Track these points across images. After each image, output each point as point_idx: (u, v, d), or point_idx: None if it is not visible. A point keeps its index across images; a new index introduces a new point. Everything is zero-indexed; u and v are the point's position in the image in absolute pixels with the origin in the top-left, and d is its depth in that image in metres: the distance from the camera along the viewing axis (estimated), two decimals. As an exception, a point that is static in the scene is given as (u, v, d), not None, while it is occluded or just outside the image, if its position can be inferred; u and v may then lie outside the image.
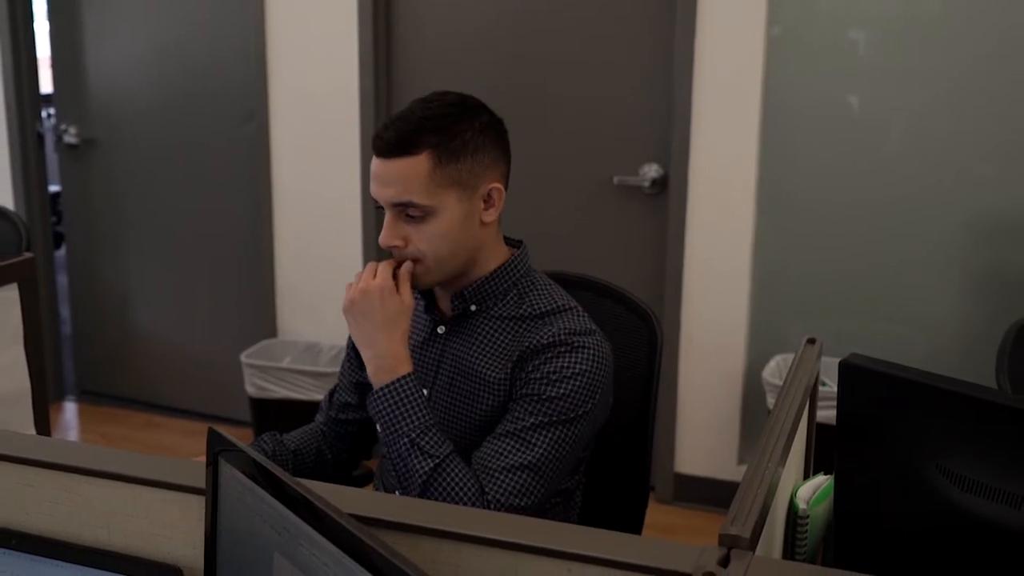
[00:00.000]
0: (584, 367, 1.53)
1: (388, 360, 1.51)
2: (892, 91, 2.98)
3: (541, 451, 1.50)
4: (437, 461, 1.47)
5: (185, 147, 3.88)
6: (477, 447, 1.57)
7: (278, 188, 3.70)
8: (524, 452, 1.49)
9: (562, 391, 1.51)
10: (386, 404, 1.49)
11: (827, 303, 3.16)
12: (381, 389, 1.50)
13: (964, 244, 2.99)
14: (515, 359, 1.56)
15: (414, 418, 1.48)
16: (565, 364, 1.53)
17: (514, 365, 1.56)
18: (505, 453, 1.49)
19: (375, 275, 1.53)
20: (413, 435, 1.48)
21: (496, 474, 1.48)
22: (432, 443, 1.48)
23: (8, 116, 4.04)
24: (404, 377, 1.50)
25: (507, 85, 3.36)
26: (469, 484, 1.47)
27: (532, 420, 1.51)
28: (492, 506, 1.47)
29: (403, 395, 1.49)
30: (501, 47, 3.38)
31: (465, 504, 1.45)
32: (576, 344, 1.54)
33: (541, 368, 1.53)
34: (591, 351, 1.54)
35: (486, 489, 1.47)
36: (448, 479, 1.46)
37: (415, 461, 1.47)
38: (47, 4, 4.04)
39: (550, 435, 1.51)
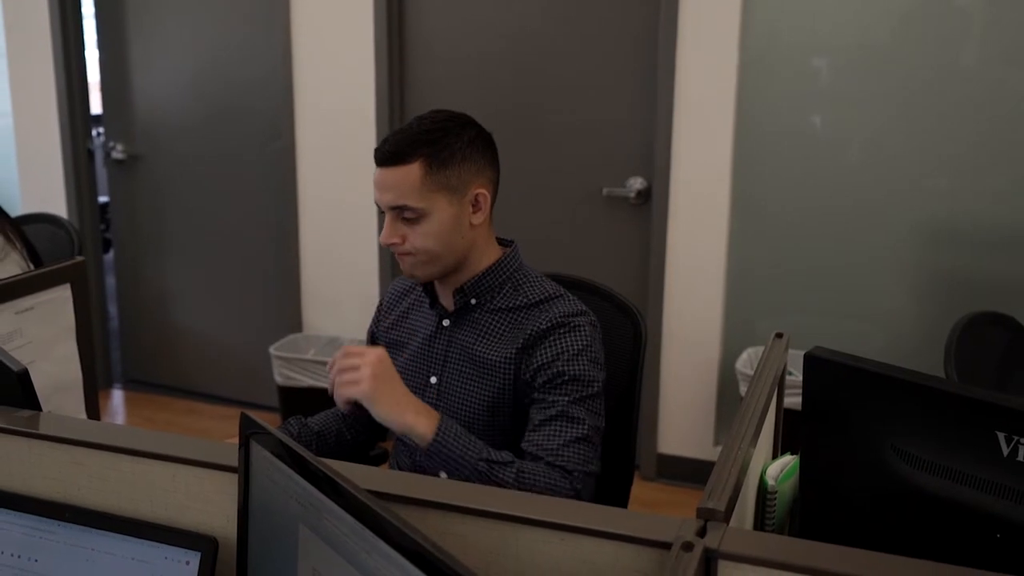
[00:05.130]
0: (586, 343, 1.54)
1: (423, 407, 1.45)
2: (850, 112, 2.98)
3: (587, 423, 1.49)
4: (516, 465, 1.43)
5: (220, 162, 3.88)
6: (484, 424, 1.57)
7: (303, 198, 3.70)
8: (573, 427, 1.48)
9: (578, 369, 1.51)
10: (450, 445, 1.41)
11: (794, 301, 3.16)
12: (441, 437, 1.41)
13: (915, 249, 2.98)
14: (520, 345, 1.56)
15: (474, 443, 1.43)
16: (569, 344, 1.53)
17: (520, 351, 1.55)
18: (558, 433, 1.48)
19: (362, 353, 1.43)
20: (483, 454, 1.43)
21: (560, 451, 1.47)
22: (497, 454, 1.44)
23: (62, 134, 4.04)
24: (443, 417, 1.44)
25: (507, 106, 3.36)
26: (547, 472, 1.43)
27: (566, 399, 1.50)
28: (575, 476, 1.45)
29: (455, 431, 1.43)
30: (502, 73, 3.38)
31: (554, 487, 1.43)
32: (573, 324, 1.55)
33: (549, 351, 1.53)
34: (587, 329, 1.56)
35: (564, 467, 1.45)
36: (530, 475, 1.43)
37: (499, 474, 1.42)
38: (97, 33, 4.04)
39: (585, 407, 1.51)
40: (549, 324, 1.55)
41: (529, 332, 1.56)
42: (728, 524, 0.88)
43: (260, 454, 0.98)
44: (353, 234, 3.62)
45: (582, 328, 1.55)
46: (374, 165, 1.56)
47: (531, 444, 1.49)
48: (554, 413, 1.49)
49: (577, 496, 1.45)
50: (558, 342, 1.53)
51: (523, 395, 1.56)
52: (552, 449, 1.47)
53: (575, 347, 1.53)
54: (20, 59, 4.06)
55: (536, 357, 1.54)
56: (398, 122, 3.47)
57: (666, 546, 0.86)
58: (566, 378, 1.51)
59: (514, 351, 1.56)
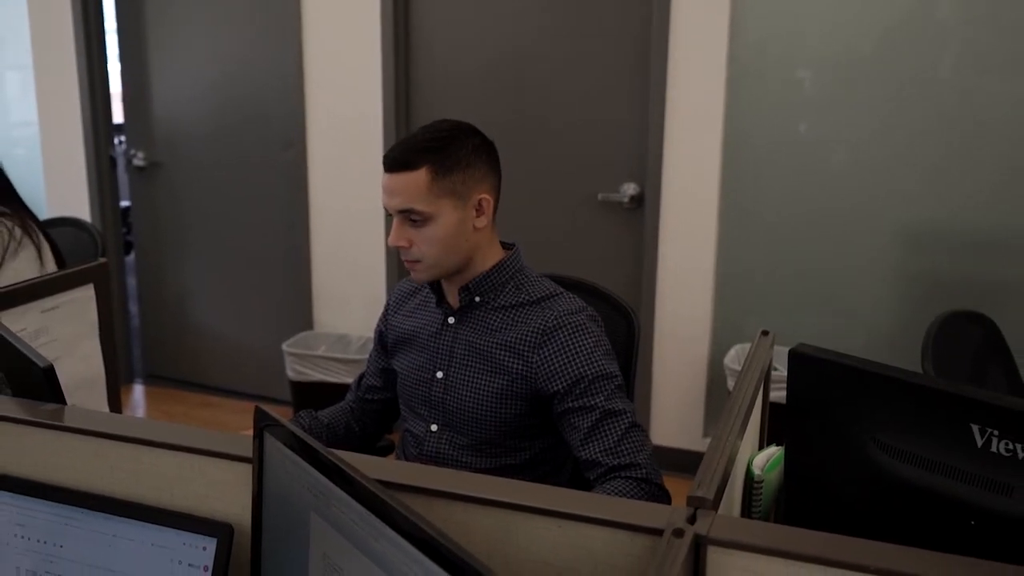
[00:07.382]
0: (595, 339, 1.54)
1: None
2: (834, 120, 2.98)
3: (628, 411, 1.50)
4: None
5: (236, 168, 3.88)
6: (491, 416, 1.57)
7: (314, 203, 3.70)
8: (619, 421, 1.49)
9: (599, 367, 1.52)
10: None
11: (779, 301, 3.16)
12: None
13: (895, 251, 2.98)
14: (525, 340, 1.55)
15: None
16: (581, 345, 1.53)
17: (526, 346, 1.55)
18: (610, 432, 1.48)
19: None
20: None
21: (617, 447, 1.47)
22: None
23: (86, 142, 4.04)
24: None
25: (507, 115, 3.36)
26: (622, 487, 1.43)
27: (601, 397, 1.50)
28: (647, 467, 1.44)
29: None
30: (502, 83, 3.38)
31: (634, 493, 1.42)
32: (576, 324, 1.55)
33: (562, 356, 1.52)
34: (590, 325, 1.56)
35: (629, 464, 1.45)
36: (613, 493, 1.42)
37: None
38: (119, 47, 4.05)
39: (619, 398, 1.51)
40: (554, 323, 1.55)
41: (533, 327, 1.56)
42: (717, 512, 0.88)
43: (273, 445, 0.98)
44: (361, 237, 3.62)
45: (585, 326, 1.55)
46: (382, 171, 1.56)
47: (589, 451, 1.48)
48: (598, 416, 1.49)
49: (656, 477, 1.46)
50: (568, 345, 1.53)
51: (547, 403, 1.56)
52: (609, 449, 1.47)
53: (587, 346, 1.53)
54: (46, 71, 4.07)
55: (549, 361, 1.53)
56: (404, 130, 3.47)
57: (658, 532, 0.86)
58: (591, 379, 1.50)
59: (520, 345, 1.56)
